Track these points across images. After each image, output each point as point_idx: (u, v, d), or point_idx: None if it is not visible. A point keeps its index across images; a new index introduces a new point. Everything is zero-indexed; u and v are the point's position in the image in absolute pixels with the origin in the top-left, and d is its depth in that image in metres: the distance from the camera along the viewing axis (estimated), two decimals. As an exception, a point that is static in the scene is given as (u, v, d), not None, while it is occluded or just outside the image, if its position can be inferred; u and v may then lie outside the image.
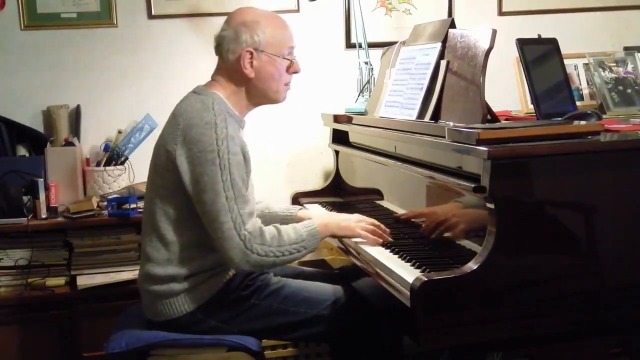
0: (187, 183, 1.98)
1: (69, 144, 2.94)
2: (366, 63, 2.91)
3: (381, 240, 2.12)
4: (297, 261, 2.30)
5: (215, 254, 2.06)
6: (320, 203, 2.80)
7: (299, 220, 2.30)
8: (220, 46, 2.12)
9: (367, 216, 2.28)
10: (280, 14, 2.21)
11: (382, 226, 2.17)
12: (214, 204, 1.94)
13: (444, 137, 1.87)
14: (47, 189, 2.82)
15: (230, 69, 2.11)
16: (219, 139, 1.96)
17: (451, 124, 1.99)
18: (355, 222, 2.16)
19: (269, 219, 2.34)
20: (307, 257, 2.96)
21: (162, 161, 2.04)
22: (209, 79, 2.19)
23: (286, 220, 2.32)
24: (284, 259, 2.00)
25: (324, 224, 2.12)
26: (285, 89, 2.17)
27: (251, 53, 2.08)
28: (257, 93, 2.13)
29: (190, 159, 1.97)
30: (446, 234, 1.99)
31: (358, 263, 2.11)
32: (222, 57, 2.13)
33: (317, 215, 2.33)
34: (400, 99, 2.34)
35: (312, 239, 2.05)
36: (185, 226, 2.04)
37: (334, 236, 2.18)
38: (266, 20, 2.11)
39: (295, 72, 2.18)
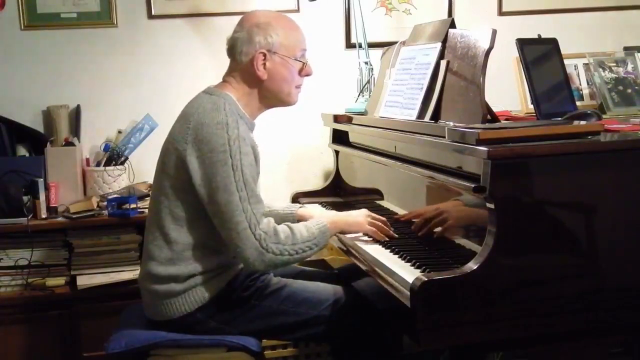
0: (197, 183, 1.98)
1: (69, 144, 2.94)
2: (366, 63, 2.91)
3: (386, 238, 2.13)
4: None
5: (218, 256, 2.06)
6: (320, 203, 2.80)
7: (299, 218, 2.31)
8: (233, 48, 2.12)
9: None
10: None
11: (388, 223, 2.18)
12: (228, 204, 1.94)
13: (444, 137, 1.87)
14: (47, 189, 2.82)
15: (242, 70, 2.12)
16: (230, 139, 1.96)
17: (451, 124, 1.99)
18: (363, 218, 2.18)
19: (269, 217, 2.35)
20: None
21: (171, 160, 2.04)
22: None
23: (286, 218, 2.32)
24: (297, 257, 2.01)
25: (333, 221, 2.14)
26: (297, 92, 2.18)
27: (264, 55, 2.08)
28: (269, 95, 2.14)
29: (202, 159, 1.97)
30: (446, 234, 1.99)
31: (358, 263, 2.11)
32: (234, 59, 2.13)
33: (319, 214, 2.33)
34: (400, 99, 2.34)
35: (323, 236, 2.06)
36: (191, 227, 2.05)
37: (342, 232, 2.19)
38: (279, 22, 2.12)
39: (307, 75, 2.19)
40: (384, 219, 2.19)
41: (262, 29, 2.08)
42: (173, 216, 2.05)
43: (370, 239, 2.16)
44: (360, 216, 2.19)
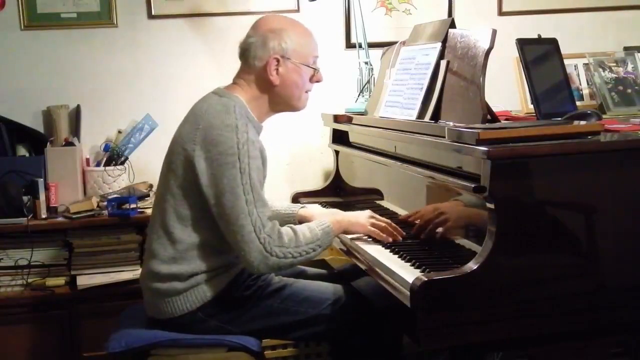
0: (204, 184, 1.99)
1: (69, 144, 2.94)
2: (366, 63, 2.92)
3: (390, 239, 2.11)
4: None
5: (221, 256, 2.06)
6: (320, 203, 2.79)
7: (300, 218, 2.31)
8: (246, 52, 2.13)
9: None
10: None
11: (393, 224, 2.17)
12: (234, 207, 1.95)
13: (444, 137, 1.87)
14: (47, 189, 2.82)
15: (255, 75, 2.13)
16: (239, 143, 1.97)
17: (451, 124, 1.99)
18: (366, 219, 2.17)
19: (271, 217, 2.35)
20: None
21: (179, 160, 2.05)
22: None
23: (287, 218, 2.32)
24: (300, 259, 2.02)
25: (337, 220, 2.14)
26: (306, 97, 2.20)
27: (278, 60, 2.10)
28: (280, 100, 2.16)
29: (210, 161, 1.98)
30: (446, 234, 1.99)
31: (358, 263, 2.11)
32: (247, 63, 2.14)
33: (320, 214, 2.33)
34: (400, 99, 2.34)
35: (327, 236, 2.07)
36: (195, 226, 2.05)
37: (346, 232, 2.18)
38: (293, 28, 2.14)
39: (318, 81, 2.21)
40: (387, 220, 2.18)
41: (276, 35, 2.09)
42: (178, 215, 2.05)
43: (371, 239, 2.16)
44: (363, 217, 2.18)
